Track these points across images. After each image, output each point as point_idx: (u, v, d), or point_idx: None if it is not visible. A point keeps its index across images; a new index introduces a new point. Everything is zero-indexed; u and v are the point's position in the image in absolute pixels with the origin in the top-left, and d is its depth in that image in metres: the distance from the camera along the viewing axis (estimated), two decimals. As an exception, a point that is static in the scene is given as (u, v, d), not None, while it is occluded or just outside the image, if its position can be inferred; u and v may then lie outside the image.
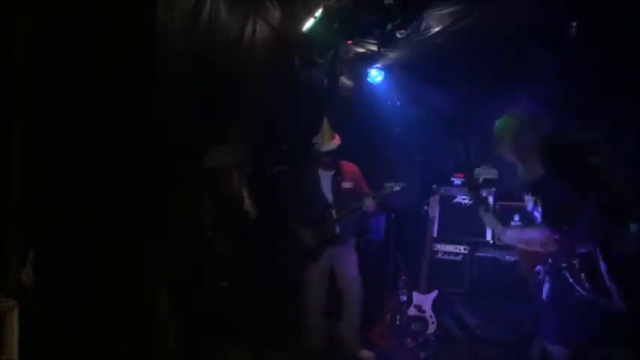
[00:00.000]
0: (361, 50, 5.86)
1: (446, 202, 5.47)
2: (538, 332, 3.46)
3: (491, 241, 5.33)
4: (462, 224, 5.41)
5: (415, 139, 6.04)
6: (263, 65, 4.85)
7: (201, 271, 3.56)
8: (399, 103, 6.09)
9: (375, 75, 6.01)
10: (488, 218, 3.55)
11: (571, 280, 3.19)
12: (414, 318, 4.78)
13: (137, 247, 3.65)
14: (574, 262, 3.20)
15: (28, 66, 3.20)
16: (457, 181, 5.65)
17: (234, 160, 3.67)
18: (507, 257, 5.11)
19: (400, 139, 6.06)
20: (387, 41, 5.39)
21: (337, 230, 4.59)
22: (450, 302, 5.19)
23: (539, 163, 3.27)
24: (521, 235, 3.40)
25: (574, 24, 4.61)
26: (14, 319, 3.10)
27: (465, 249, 5.39)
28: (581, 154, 3.43)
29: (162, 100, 3.88)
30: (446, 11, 4.87)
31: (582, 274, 3.16)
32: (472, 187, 4.66)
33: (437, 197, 5.03)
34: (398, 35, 5.06)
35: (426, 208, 5.08)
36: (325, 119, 4.62)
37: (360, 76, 6.20)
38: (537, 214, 3.34)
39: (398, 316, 4.91)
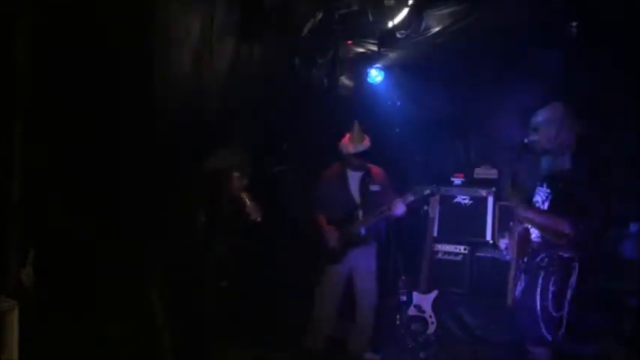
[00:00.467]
0: (361, 50, 5.86)
1: (446, 202, 5.47)
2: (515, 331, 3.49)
3: (491, 241, 5.33)
4: (462, 224, 5.41)
5: (415, 139, 6.04)
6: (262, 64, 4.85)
7: (201, 271, 3.56)
8: (399, 103, 6.09)
9: (375, 75, 6.01)
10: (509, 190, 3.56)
11: (541, 281, 3.22)
12: (414, 318, 4.78)
13: (137, 247, 3.65)
14: (554, 264, 3.24)
15: (28, 66, 3.20)
16: (457, 181, 5.65)
17: (235, 163, 3.67)
18: (507, 257, 5.11)
19: (400, 139, 6.06)
20: (387, 41, 5.39)
21: (363, 232, 4.59)
22: (450, 302, 5.19)
23: (567, 156, 3.31)
24: (538, 217, 3.39)
25: (574, 24, 4.61)
26: (14, 319, 3.10)
27: (465, 249, 5.39)
28: (608, 161, 3.48)
29: (163, 100, 3.88)
30: (446, 11, 4.87)
31: (553, 278, 3.20)
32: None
33: (437, 197, 5.03)
34: (398, 35, 5.06)
35: (426, 208, 5.07)
36: (356, 121, 4.63)
37: (360, 76, 6.20)
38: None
39: (398, 316, 4.91)
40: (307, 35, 5.18)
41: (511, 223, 3.56)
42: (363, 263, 4.66)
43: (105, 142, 3.55)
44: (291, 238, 5.41)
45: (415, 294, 4.84)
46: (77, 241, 3.45)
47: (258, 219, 3.66)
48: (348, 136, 4.66)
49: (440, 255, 5.41)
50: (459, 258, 5.40)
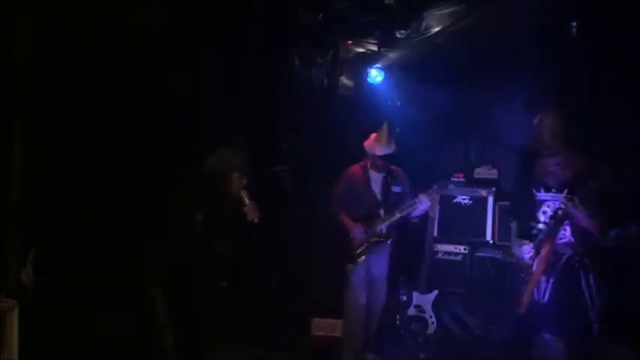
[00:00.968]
0: (361, 50, 5.86)
1: (446, 202, 5.46)
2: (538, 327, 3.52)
3: (491, 241, 5.33)
4: (462, 224, 5.41)
5: (415, 139, 6.03)
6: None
7: (201, 271, 3.56)
8: (399, 103, 6.08)
9: (375, 75, 6.00)
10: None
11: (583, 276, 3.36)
12: (414, 318, 4.78)
13: (137, 247, 3.65)
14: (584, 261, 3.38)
15: (28, 66, 3.20)
16: (457, 181, 5.64)
17: (235, 163, 3.66)
18: (502, 257, 5.12)
19: (400, 139, 6.05)
20: (387, 41, 5.39)
21: (384, 230, 4.59)
22: (450, 302, 5.19)
23: (582, 160, 3.41)
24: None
25: (574, 24, 4.61)
26: (14, 319, 3.10)
27: (465, 249, 5.38)
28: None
29: (163, 100, 3.89)
30: (446, 11, 4.87)
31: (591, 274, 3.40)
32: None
33: (437, 197, 5.01)
34: (398, 35, 5.06)
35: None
36: (386, 123, 4.63)
37: (360, 76, 6.19)
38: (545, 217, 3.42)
39: (398, 316, 4.91)
40: (307, 35, 5.18)
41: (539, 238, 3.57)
42: (379, 263, 4.65)
43: (105, 142, 3.56)
44: (291, 237, 5.42)
45: (415, 294, 4.84)
46: (77, 241, 3.45)
47: (256, 220, 3.65)
48: (375, 136, 4.63)
49: (440, 255, 5.40)
50: (459, 258, 5.39)
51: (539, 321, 3.46)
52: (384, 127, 4.61)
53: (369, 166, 4.68)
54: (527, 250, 3.51)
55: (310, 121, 5.74)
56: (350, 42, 5.76)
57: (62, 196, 3.41)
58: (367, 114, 6.14)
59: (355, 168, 4.74)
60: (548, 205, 3.51)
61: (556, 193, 3.50)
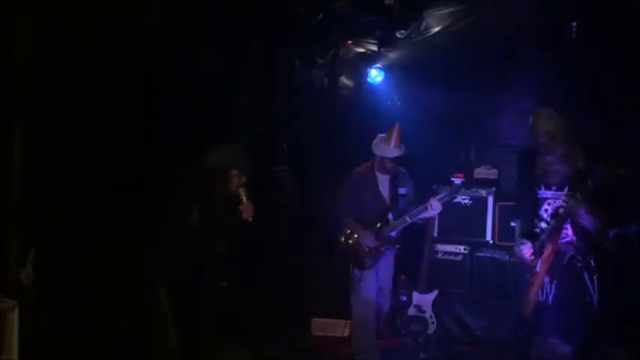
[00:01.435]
0: (361, 50, 5.87)
1: (446, 202, 5.45)
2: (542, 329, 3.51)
3: (491, 241, 5.33)
4: (462, 224, 5.40)
5: (415, 139, 6.03)
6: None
7: (201, 271, 3.56)
8: (399, 103, 6.08)
9: (375, 75, 6.01)
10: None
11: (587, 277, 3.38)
12: (414, 318, 4.78)
13: (137, 248, 3.65)
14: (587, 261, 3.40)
15: (28, 66, 3.21)
16: (457, 181, 5.63)
17: (234, 161, 3.65)
18: (507, 257, 5.10)
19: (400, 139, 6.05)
20: (387, 41, 5.39)
21: (394, 235, 4.50)
22: (450, 302, 5.18)
23: (581, 156, 3.41)
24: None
25: (574, 24, 4.61)
26: (14, 319, 3.10)
27: (465, 249, 5.38)
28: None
29: (162, 100, 3.89)
30: (446, 11, 4.87)
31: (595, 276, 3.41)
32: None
33: (437, 197, 5.01)
34: (398, 35, 5.06)
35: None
36: (398, 124, 4.45)
37: (360, 76, 6.20)
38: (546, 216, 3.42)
39: (398, 316, 4.91)
40: (307, 35, 5.19)
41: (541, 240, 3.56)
42: (386, 265, 4.59)
43: (104, 141, 3.56)
44: (291, 237, 5.42)
45: (415, 294, 4.84)
46: (77, 240, 3.45)
47: (250, 219, 3.63)
48: (384, 137, 4.47)
49: (440, 255, 5.39)
50: (459, 258, 5.39)
51: (544, 323, 3.44)
52: (396, 127, 4.42)
53: (375, 167, 4.53)
54: (526, 250, 3.50)
55: (310, 122, 5.74)
56: (350, 42, 5.77)
57: (62, 196, 3.41)
58: (367, 114, 6.15)
59: (361, 170, 4.59)
60: (550, 202, 3.51)
61: (557, 190, 3.49)
